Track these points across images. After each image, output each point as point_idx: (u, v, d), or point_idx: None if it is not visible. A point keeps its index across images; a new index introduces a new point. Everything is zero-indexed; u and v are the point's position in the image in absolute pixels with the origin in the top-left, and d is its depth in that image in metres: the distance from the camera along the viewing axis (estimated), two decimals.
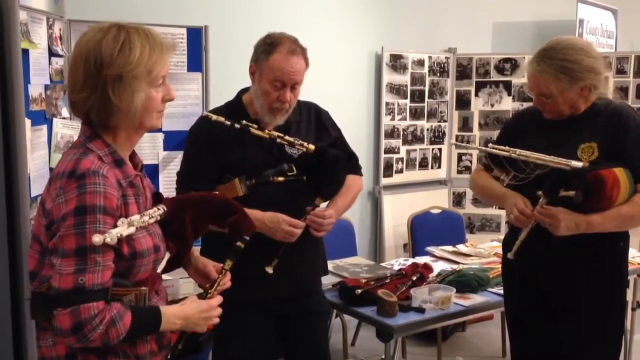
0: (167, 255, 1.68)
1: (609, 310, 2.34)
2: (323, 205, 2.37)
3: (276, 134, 2.25)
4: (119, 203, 1.48)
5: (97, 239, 1.38)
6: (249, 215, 1.76)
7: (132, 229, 1.47)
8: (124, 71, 1.48)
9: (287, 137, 2.26)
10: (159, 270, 1.64)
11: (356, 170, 2.53)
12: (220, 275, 1.70)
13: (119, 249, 1.48)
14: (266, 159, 2.27)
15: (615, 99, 2.38)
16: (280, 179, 2.25)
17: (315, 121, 2.44)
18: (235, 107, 2.36)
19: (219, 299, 1.67)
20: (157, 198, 1.70)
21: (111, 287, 1.46)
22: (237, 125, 2.19)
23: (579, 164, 2.18)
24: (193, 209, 1.73)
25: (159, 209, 1.62)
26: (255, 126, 2.23)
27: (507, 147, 2.32)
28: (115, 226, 1.45)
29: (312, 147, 2.27)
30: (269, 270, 2.24)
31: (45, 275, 1.49)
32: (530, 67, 2.28)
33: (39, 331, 1.57)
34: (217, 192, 1.94)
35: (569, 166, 2.17)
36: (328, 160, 2.29)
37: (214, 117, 2.20)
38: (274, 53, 2.22)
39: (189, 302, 1.62)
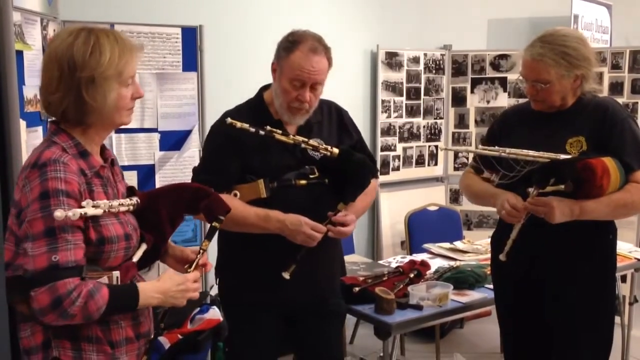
0: (144, 247, 1.72)
1: (600, 301, 2.36)
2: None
3: (300, 138, 2.21)
4: (81, 189, 1.55)
5: (59, 213, 1.44)
6: (221, 198, 1.80)
7: (98, 211, 1.54)
8: (96, 73, 1.56)
9: (311, 142, 2.22)
10: (134, 259, 1.68)
11: (374, 173, 2.45)
12: (199, 255, 1.74)
13: (86, 233, 1.54)
14: (288, 162, 2.23)
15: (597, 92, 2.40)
16: (303, 182, 2.23)
17: (337, 122, 2.39)
18: (257, 106, 2.30)
19: (195, 274, 1.71)
20: (131, 192, 1.76)
21: (85, 266, 1.51)
22: (261, 132, 2.15)
23: (568, 157, 2.20)
24: (167, 200, 1.77)
25: (131, 199, 1.69)
26: (280, 132, 2.18)
27: (496, 147, 2.33)
28: (81, 207, 1.51)
29: (336, 150, 2.24)
30: (286, 275, 2.19)
31: (19, 263, 1.54)
32: (530, 52, 2.27)
33: (19, 323, 1.62)
34: (188, 182, 1.98)
35: (559, 159, 2.19)
36: (355, 164, 2.25)
37: (239, 124, 2.14)
38: (295, 51, 2.18)
39: (166, 277, 1.66)
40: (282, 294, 2.25)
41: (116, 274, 1.59)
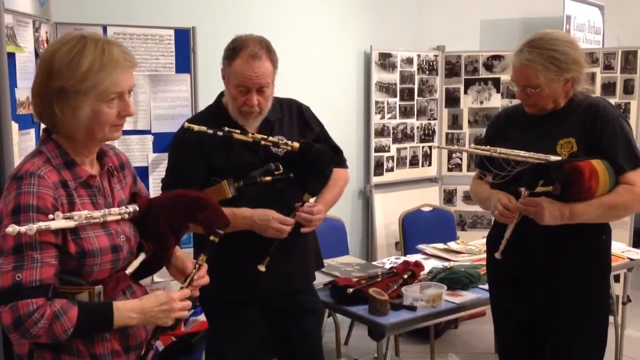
0: (142, 256, 1.67)
1: (594, 301, 2.36)
2: (312, 200, 2.36)
3: (260, 136, 2.25)
4: (56, 203, 1.50)
5: (10, 229, 1.40)
6: (220, 209, 1.75)
7: (69, 223, 1.48)
8: (67, 85, 1.50)
9: (270, 138, 2.26)
10: (128, 271, 1.63)
11: (341, 163, 2.53)
12: (195, 270, 1.69)
13: (65, 247, 1.50)
14: (252, 160, 2.28)
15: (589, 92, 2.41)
16: (268, 178, 2.26)
17: (297, 117, 2.44)
18: (217, 111, 2.36)
19: (182, 293, 1.63)
20: (134, 199, 1.71)
21: (55, 284, 1.47)
22: (219, 133, 2.20)
23: (557, 159, 2.20)
24: (166, 209, 1.72)
25: (127, 208, 1.63)
26: (238, 131, 2.24)
27: (487, 147, 2.35)
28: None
29: (296, 144, 2.28)
30: (262, 268, 2.24)
31: None
32: (519, 58, 2.28)
33: None
34: (189, 190, 1.90)
35: (547, 161, 2.20)
36: (313, 154, 2.30)
37: (196, 127, 2.20)
38: (237, 59, 2.21)
39: (149, 296, 1.61)
40: (256, 288, 2.30)
41: (99, 288, 1.54)
